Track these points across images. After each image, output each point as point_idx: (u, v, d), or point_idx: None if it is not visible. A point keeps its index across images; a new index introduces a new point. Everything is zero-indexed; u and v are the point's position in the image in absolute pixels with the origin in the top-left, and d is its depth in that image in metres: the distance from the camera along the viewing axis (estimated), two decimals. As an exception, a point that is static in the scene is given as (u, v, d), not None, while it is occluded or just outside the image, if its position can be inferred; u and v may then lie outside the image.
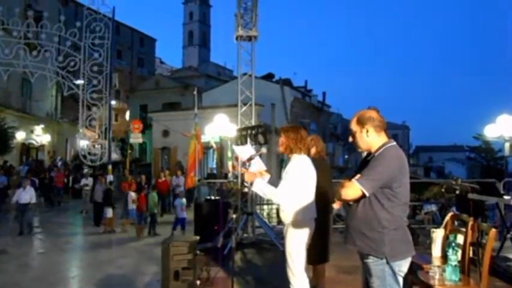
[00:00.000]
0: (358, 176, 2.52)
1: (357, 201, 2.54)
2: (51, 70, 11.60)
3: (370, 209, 2.50)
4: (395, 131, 48.33)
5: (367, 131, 2.60)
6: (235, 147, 4.05)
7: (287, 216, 3.42)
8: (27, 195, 9.66)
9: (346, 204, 2.67)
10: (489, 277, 3.37)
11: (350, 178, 2.55)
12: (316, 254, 4.15)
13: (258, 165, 3.46)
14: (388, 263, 2.48)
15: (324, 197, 3.97)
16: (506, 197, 6.34)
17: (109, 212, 10.22)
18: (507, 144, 10.01)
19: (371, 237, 2.50)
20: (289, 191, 3.35)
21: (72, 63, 11.33)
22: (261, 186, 3.37)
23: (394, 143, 2.61)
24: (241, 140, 7.69)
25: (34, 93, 23.82)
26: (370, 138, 2.61)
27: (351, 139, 2.71)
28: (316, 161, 3.87)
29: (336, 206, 4.57)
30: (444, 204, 10.71)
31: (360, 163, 2.75)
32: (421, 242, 6.39)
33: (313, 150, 4.28)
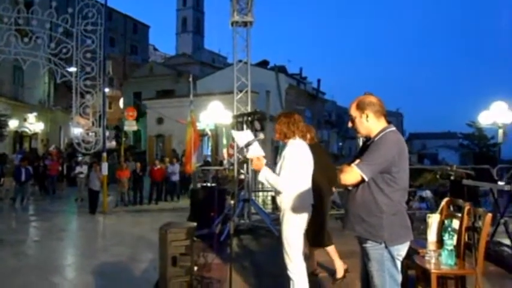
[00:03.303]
0: (357, 161, 2.52)
1: (356, 186, 2.55)
2: (43, 57, 11.42)
3: (369, 193, 2.51)
4: (389, 118, 47.70)
5: (367, 116, 2.59)
6: (233, 132, 4.02)
7: (284, 202, 3.41)
8: None
9: (345, 189, 2.67)
10: (484, 261, 3.42)
11: (349, 163, 2.55)
12: (310, 238, 4.25)
13: (256, 150, 3.45)
14: (386, 247, 2.50)
15: (320, 180, 3.98)
16: (500, 183, 6.40)
17: None
18: (500, 131, 10.08)
19: (370, 222, 2.51)
20: (290, 178, 3.34)
21: (64, 50, 11.17)
22: (266, 174, 3.36)
23: (394, 128, 2.60)
24: (237, 126, 7.67)
25: (26, 80, 23.50)
26: (370, 123, 2.60)
27: (350, 124, 2.69)
28: (313, 147, 3.89)
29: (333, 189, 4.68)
30: (439, 190, 10.81)
31: (360, 148, 2.75)
32: (415, 228, 6.45)
33: (307, 137, 4.32)
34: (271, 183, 3.40)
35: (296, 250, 3.41)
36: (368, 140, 2.66)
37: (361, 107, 2.61)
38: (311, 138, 4.41)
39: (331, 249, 4.54)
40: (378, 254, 2.51)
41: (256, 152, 3.43)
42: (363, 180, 2.48)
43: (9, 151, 19.85)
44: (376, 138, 2.56)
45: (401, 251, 2.55)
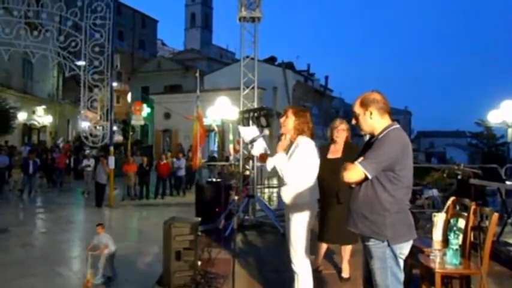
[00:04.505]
0: (360, 158, 2.50)
1: (359, 184, 2.52)
2: (52, 50, 11.50)
3: (372, 191, 2.48)
4: (397, 116, 48.09)
5: (371, 113, 2.56)
6: (240, 128, 4.02)
7: (290, 198, 3.41)
8: None
9: (348, 187, 2.65)
10: (489, 261, 3.39)
11: (353, 161, 2.52)
12: (318, 233, 4.27)
13: (260, 146, 3.44)
14: (389, 245, 2.47)
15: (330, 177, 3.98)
16: (508, 182, 6.33)
17: None
18: (510, 130, 9.98)
19: (373, 220, 2.49)
20: (297, 170, 3.33)
21: (73, 44, 11.23)
22: (272, 159, 3.36)
23: (398, 125, 2.56)
24: (243, 122, 7.66)
25: (35, 73, 23.70)
26: (374, 121, 2.56)
27: (354, 121, 2.66)
28: (350, 145, 4.34)
29: None
30: (446, 189, 10.74)
31: (363, 146, 2.72)
32: (421, 226, 6.41)
33: (345, 134, 4.52)
34: (278, 166, 3.36)
35: (301, 245, 3.40)
36: (372, 137, 2.63)
37: (364, 104, 2.57)
38: (348, 137, 4.54)
39: (348, 249, 4.53)
40: (380, 252, 2.49)
41: (260, 149, 3.42)
42: (366, 178, 2.46)
43: (17, 143, 20.05)
44: (379, 136, 2.53)
45: (404, 249, 2.52)
